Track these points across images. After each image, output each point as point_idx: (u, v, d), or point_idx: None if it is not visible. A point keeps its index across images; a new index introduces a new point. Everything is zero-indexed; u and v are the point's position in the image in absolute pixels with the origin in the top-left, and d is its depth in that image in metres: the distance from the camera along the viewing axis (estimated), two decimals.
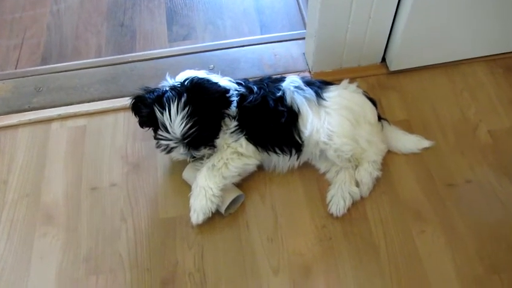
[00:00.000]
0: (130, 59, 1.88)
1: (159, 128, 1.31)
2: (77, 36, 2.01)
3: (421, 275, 1.32)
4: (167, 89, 1.33)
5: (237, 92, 1.40)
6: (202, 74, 1.42)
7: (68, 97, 1.76)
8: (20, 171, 1.57)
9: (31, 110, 1.72)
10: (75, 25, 2.05)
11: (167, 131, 1.29)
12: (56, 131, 1.67)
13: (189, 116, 1.27)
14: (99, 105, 1.73)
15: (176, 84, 1.35)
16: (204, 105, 1.30)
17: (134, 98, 1.36)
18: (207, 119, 1.31)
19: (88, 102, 1.74)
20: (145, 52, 1.91)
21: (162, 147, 1.36)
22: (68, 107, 1.72)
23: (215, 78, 1.42)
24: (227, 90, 1.35)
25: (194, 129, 1.29)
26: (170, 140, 1.32)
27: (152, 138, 1.36)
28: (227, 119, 1.39)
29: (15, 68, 1.90)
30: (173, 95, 1.29)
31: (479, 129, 1.60)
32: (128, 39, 1.99)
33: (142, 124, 1.39)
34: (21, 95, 1.77)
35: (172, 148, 1.35)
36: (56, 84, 1.81)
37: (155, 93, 1.33)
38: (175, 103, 1.27)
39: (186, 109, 1.27)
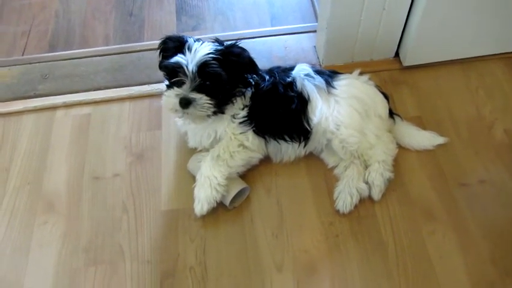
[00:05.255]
0: (137, 48, 1.86)
1: (181, 51, 1.28)
2: (85, 24, 1.99)
3: (431, 277, 1.27)
4: None
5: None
6: None
7: (74, 85, 1.74)
8: (23, 159, 1.55)
9: (36, 97, 1.70)
10: (83, 13, 2.03)
11: (188, 52, 1.26)
12: (61, 118, 1.64)
13: (215, 61, 1.25)
14: (105, 93, 1.70)
15: None
16: (231, 64, 1.29)
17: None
18: (227, 77, 1.28)
19: (94, 90, 1.72)
20: (153, 42, 1.87)
21: (167, 64, 1.28)
22: (74, 94, 1.70)
23: None
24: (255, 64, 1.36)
25: (211, 69, 1.25)
26: (185, 65, 1.25)
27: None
28: (237, 105, 1.36)
29: (22, 55, 1.88)
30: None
31: (494, 128, 1.55)
32: (137, 28, 1.96)
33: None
34: (27, 82, 1.76)
35: (179, 75, 1.27)
36: (63, 71, 1.78)
37: None
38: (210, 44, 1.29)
39: (216, 52, 1.26)
